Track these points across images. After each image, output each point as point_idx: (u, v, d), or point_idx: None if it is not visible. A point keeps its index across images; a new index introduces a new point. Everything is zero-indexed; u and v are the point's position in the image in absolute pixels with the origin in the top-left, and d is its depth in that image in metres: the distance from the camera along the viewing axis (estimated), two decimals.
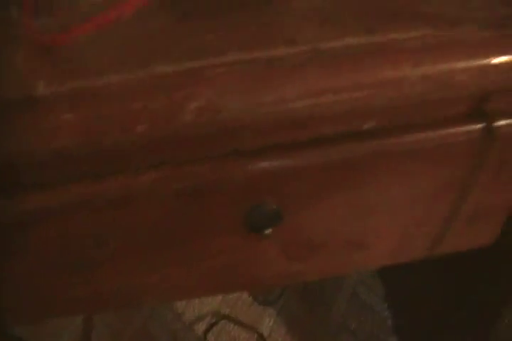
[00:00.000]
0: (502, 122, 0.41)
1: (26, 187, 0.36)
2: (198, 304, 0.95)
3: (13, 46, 0.37)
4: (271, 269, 0.46)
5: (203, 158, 0.38)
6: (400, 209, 0.45)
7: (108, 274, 0.44)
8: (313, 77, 0.35)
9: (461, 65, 0.37)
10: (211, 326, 0.92)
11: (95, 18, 0.37)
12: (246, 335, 0.92)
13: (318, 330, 0.93)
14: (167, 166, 0.37)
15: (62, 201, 0.36)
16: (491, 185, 0.44)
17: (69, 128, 0.34)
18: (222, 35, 0.37)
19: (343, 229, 0.45)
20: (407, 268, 0.88)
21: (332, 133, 0.39)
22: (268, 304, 0.93)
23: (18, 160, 0.34)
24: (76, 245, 0.40)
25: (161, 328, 0.93)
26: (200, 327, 0.93)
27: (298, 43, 0.36)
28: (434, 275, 0.77)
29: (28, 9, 0.39)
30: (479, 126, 0.41)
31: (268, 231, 0.41)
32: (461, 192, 0.44)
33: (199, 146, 0.37)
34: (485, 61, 0.37)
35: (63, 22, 0.38)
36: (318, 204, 0.42)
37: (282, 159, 0.39)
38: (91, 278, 0.44)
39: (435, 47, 0.37)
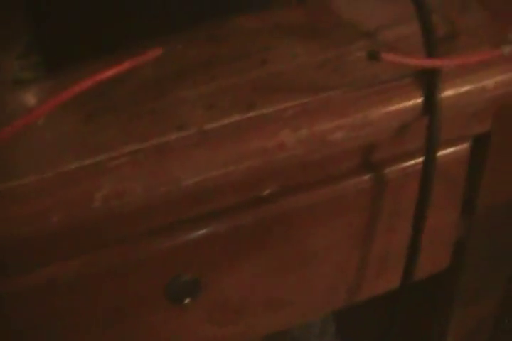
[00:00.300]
0: (387, 170, 0.46)
1: None
2: None
3: None
4: (202, 337, 0.50)
5: (120, 240, 0.42)
6: (316, 262, 0.49)
7: None
8: (200, 156, 0.40)
9: (332, 124, 0.41)
10: None
11: (10, 126, 0.42)
12: None
13: None
14: (88, 251, 0.41)
15: None
16: (391, 228, 0.48)
17: None
18: (122, 129, 0.42)
19: (265, 289, 0.49)
20: (365, 322, 0.91)
21: (235, 202, 0.43)
22: None
23: None
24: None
25: None
26: None
27: (186, 128, 0.41)
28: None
29: None
30: (368, 176, 0.46)
31: (187, 301, 0.44)
32: (366, 239, 0.48)
33: (114, 229, 0.41)
34: (353, 118, 0.42)
35: None
36: (235, 269, 0.46)
37: (192, 232, 0.43)
38: None
39: (309, 113, 0.42)
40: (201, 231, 0.44)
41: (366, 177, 0.46)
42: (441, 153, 0.48)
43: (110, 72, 0.42)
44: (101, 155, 0.40)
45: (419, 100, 0.43)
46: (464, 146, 0.49)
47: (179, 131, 0.41)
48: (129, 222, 0.40)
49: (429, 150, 0.43)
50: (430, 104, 0.43)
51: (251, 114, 0.41)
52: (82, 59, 0.46)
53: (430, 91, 0.43)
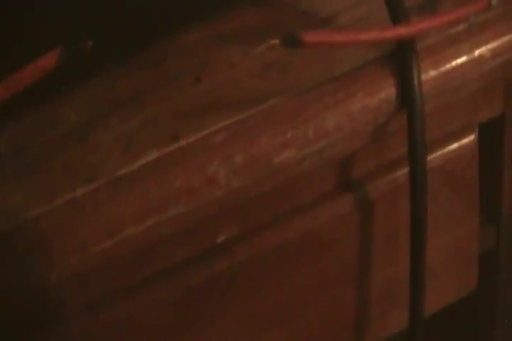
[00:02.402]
0: (371, 186, 0.37)
1: None
2: None
3: None
4: None
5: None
6: (302, 312, 0.39)
7: None
8: (112, 211, 0.32)
9: (276, 143, 0.32)
10: None
11: None
12: None
13: None
14: None
15: None
16: (389, 256, 0.38)
17: None
18: (28, 192, 0.34)
19: None
20: None
21: (181, 258, 0.34)
22: None
23: None
24: None
25: None
26: None
27: (97, 179, 0.33)
28: None
29: None
30: (348, 197, 0.36)
31: None
32: (360, 274, 0.38)
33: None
34: (304, 129, 0.32)
35: None
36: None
37: (135, 299, 0.35)
38: None
39: (245, 133, 0.33)
40: (146, 297, 0.35)
41: (346, 199, 0.37)
42: (438, 152, 0.38)
43: None
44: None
45: (391, 91, 0.34)
46: (469, 139, 0.39)
47: (88, 184, 0.33)
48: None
49: (413, 154, 0.33)
50: (406, 94, 0.34)
51: (172, 147, 0.33)
52: None
53: (403, 76, 0.34)
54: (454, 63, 0.35)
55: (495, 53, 0.36)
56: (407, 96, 0.33)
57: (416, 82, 0.33)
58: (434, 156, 0.39)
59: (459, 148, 0.39)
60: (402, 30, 0.32)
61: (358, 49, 0.36)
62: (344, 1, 0.40)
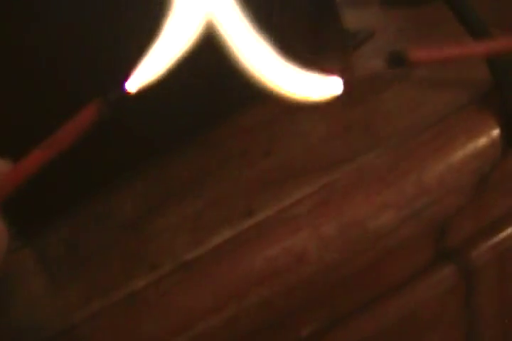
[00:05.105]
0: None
1: None
2: None
3: None
4: None
5: None
6: None
7: None
8: (183, 302, 0.27)
9: (372, 205, 0.27)
10: None
11: None
12: None
13: None
14: None
15: None
16: None
17: None
18: (88, 282, 0.30)
19: None
20: None
21: None
22: None
23: None
24: None
25: None
26: None
27: (162, 265, 0.28)
28: None
29: None
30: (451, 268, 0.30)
31: None
32: None
33: None
34: (401, 187, 0.27)
35: None
36: None
37: None
38: None
39: (336, 198, 0.27)
40: None
41: (447, 271, 0.30)
42: None
43: None
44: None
45: (495, 133, 0.29)
46: None
47: (152, 271, 0.28)
48: None
49: None
50: None
51: (251, 221, 0.28)
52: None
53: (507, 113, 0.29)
54: None
55: None
56: None
57: None
58: None
59: None
60: (501, 42, 0.27)
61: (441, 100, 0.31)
62: None
